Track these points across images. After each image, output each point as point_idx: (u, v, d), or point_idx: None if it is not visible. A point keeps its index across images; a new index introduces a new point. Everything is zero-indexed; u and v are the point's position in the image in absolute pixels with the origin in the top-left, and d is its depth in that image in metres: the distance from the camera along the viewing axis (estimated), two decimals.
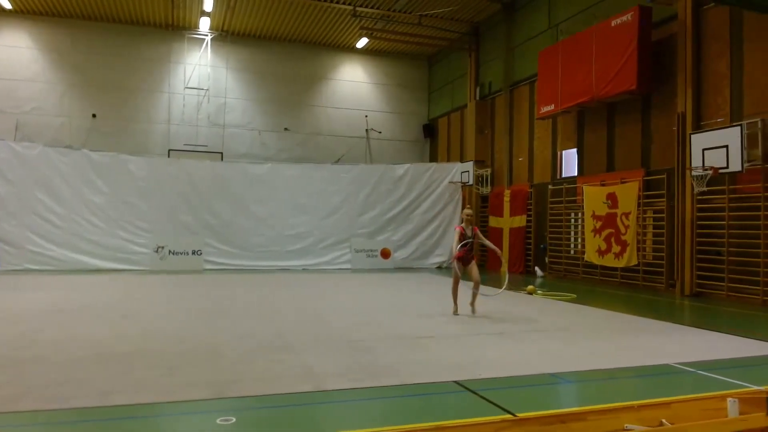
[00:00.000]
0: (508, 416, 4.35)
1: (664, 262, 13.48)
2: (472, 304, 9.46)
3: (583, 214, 15.89)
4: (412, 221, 20.82)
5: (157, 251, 17.95)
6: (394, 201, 20.77)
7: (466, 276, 9.52)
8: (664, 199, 13.49)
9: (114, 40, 21.54)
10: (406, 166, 21.34)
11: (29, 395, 4.80)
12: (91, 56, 21.31)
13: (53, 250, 17.12)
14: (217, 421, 4.29)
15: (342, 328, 8.23)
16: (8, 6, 19.59)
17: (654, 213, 14.03)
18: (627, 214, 14.29)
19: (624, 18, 13.95)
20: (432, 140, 25.30)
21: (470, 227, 9.51)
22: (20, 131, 20.03)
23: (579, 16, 16.38)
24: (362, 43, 23.10)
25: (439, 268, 20.51)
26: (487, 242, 9.94)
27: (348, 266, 19.74)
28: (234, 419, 4.32)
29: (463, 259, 9.47)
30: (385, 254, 20.16)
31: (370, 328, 8.22)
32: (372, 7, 20.04)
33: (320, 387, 5.22)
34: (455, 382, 5.35)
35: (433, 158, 24.67)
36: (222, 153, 22.45)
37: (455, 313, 9.46)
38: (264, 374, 5.63)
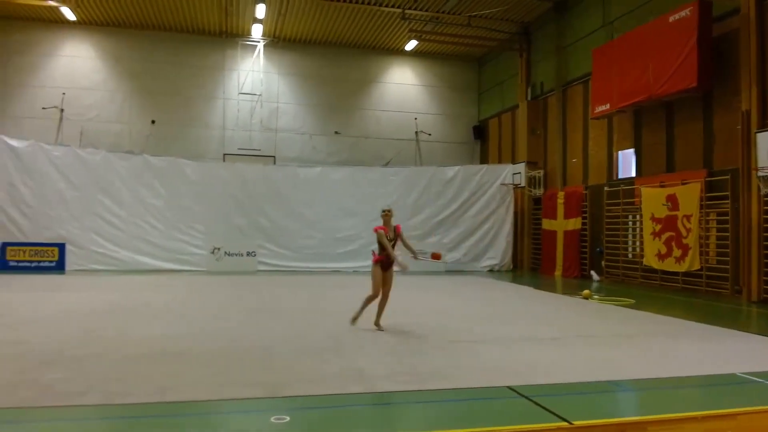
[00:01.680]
0: (564, 424, 4.23)
1: (729, 266, 12.86)
2: (377, 323, 8.14)
3: (641, 216, 15.35)
4: (462, 224, 20.65)
5: (213, 252, 18.44)
6: (444, 203, 20.65)
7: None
8: (729, 201, 12.86)
9: (171, 48, 22.27)
10: (456, 168, 21.19)
11: (92, 391, 4.98)
12: (149, 64, 22.11)
13: (115, 251, 17.86)
14: (271, 419, 4.34)
15: (391, 330, 8.20)
16: (72, 17, 20.53)
17: (717, 215, 13.41)
18: (688, 217, 13.71)
19: (683, 13, 13.41)
20: (482, 142, 25.01)
21: (392, 227, 8.28)
22: (84, 138, 20.96)
23: (634, 13, 15.85)
24: (411, 45, 23.09)
25: (491, 270, 20.25)
26: (410, 244, 8.53)
27: (398, 269, 19.70)
28: (288, 418, 4.37)
29: (384, 264, 8.22)
30: (436, 257, 19.97)
31: (419, 331, 8.17)
32: (421, 10, 20.00)
33: (371, 389, 5.21)
34: (508, 387, 5.25)
35: (484, 160, 24.39)
36: (274, 157, 22.87)
37: (353, 322, 8.24)
38: (315, 375, 5.67)
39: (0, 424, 4.24)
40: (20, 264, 16.80)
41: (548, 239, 19.25)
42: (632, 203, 15.85)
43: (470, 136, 25.07)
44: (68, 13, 20.12)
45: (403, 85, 24.62)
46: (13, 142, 17.74)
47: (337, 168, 21.14)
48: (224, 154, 22.40)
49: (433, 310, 10.53)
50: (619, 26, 16.47)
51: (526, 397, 4.93)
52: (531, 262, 20.85)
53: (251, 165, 20.73)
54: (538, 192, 20.31)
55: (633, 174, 16.21)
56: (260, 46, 22.88)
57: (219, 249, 18.50)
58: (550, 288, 15.03)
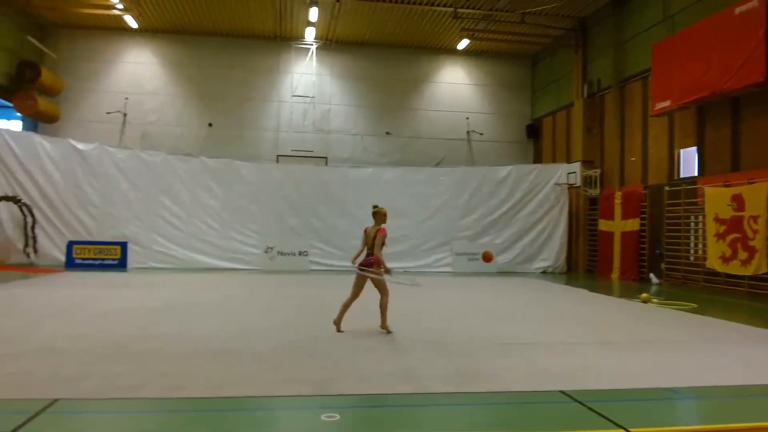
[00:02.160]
0: (620, 431, 4.09)
1: None
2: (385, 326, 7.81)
3: (704, 217, 14.69)
4: (515, 224, 20.33)
5: (266, 252, 18.83)
6: (496, 203, 20.39)
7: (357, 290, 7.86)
8: None
9: (227, 53, 22.88)
10: (509, 167, 20.87)
11: (148, 385, 5.16)
12: (206, 69, 22.79)
13: (174, 249, 18.51)
14: (322, 417, 4.39)
15: (441, 331, 8.15)
16: (135, 25, 21.40)
17: None
18: (755, 218, 13.02)
19: (750, 5, 12.75)
20: (536, 141, 24.53)
21: (375, 227, 7.90)
22: (145, 141, 21.83)
23: (697, 5, 15.19)
24: (463, 44, 22.89)
25: (544, 272, 19.85)
26: (379, 251, 7.98)
27: (448, 269, 19.61)
28: (338, 416, 4.40)
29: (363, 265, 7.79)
30: (487, 258, 19.80)
31: (470, 332, 8.08)
32: (473, 8, 19.80)
33: (421, 389, 5.19)
34: (561, 391, 5.11)
35: (537, 159, 23.91)
36: (326, 158, 23.14)
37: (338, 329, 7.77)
38: (365, 373, 5.69)
39: (67, 414, 4.46)
40: (85, 261, 17.62)
41: (605, 240, 18.68)
42: (694, 203, 15.19)
43: (523, 135, 24.63)
44: (131, 21, 20.99)
45: (454, 85, 24.45)
46: (80, 146, 18.64)
47: (388, 168, 21.20)
48: (278, 156, 22.83)
49: (483, 312, 10.39)
50: (680, 20, 15.82)
51: (580, 402, 4.79)
52: (586, 264, 20.29)
53: (304, 166, 21.09)
54: (594, 192, 19.74)
55: (695, 173, 15.54)
56: (313, 48, 23.20)
57: (272, 248, 18.87)
58: (606, 291, 14.57)
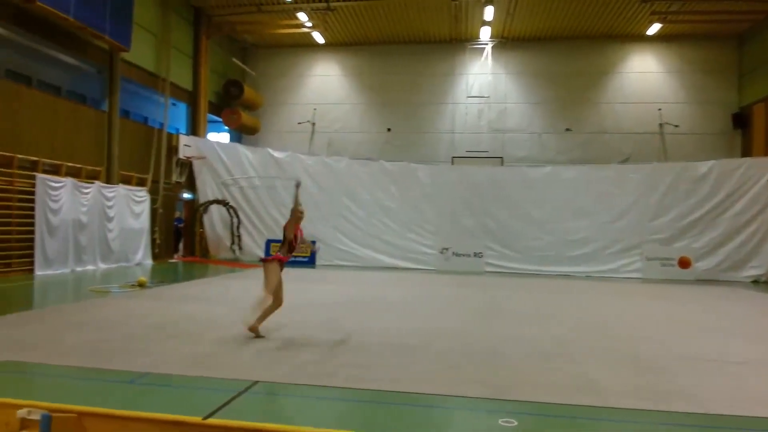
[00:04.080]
0: None
1: None
2: (256, 328, 7.02)
3: None
4: (719, 226, 17.97)
5: (441, 252, 19.09)
6: (695, 203, 18.23)
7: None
8: None
9: (404, 60, 23.68)
10: (710, 163, 18.53)
11: (337, 373, 5.52)
12: (385, 77, 23.82)
13: (356, 248, 19.65)
14: (499, 421, 4.31)
15: (627, 341, 7.52)
16: (321, 41, 23.22)
17: None
18: None
19: None
20: (744, 131, 21.50)
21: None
22: (331, 147, 23.54)
23: None
24: (654, 29, 20.95)
25: (755, 282, 17.31)
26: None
27: (638, 275, 18.04)
28: (515, 422, 4.29)
29: (281, 264, 7.40)
30: (684, 263, 17.82)
31: (661, 345, 7.34)
32: None
33: (605, 403, 4.84)
34: None
35: (746, 152, 20.92)
36: (502, 158, 22.78)
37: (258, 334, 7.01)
38: (543, 381, 5.46)
39: (265, 395, 4.93)
40: None
41: None
42: None
43: (728, 125, 21.75)
44: (318, 38, 22.85)
45: (643, 74, 22.51)
46: (276, 154, 20.64)
47: (568, 167, 20.18)
48: (453, 157, 23.03)
49: (678, 323, 9.37)
50: None
51: None
52: None
53: (479, 167, 20.97)
54: None
55: None
56: (488, 48, 23.00)
57: (447, 249, 19.07)
58: None
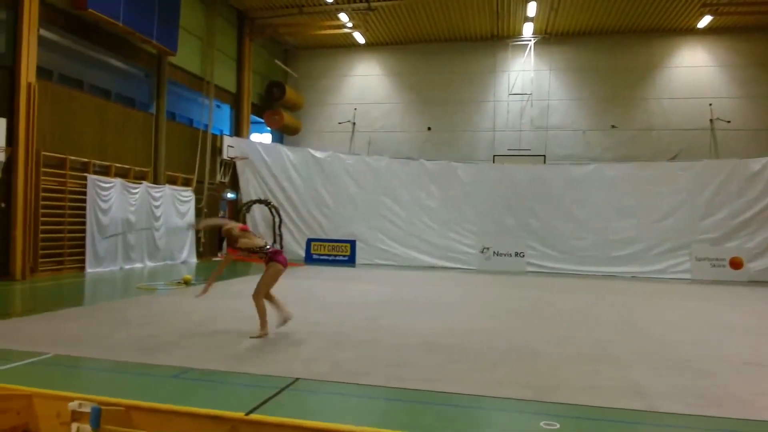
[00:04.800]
0: None
1: None
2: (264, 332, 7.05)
3: None
4: None
5: (482, 252, 18.90)
6: (748, 202, 17.50)
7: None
8: None
9: (445, 58, 23.54)
10: (764, 159, 17.75)
11: (371, 372, 5.53)
12: (425, 76, 23.74)
13: (395, 247, 19.63)
14: (541, 424, 4.24)
15: (674, 344, 7.28)
16: (362, 41, 23.32)
17: None
18: None
19: None
20: None
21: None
22: (371, 147, 23.61)
23: None
24: (705, 21, 20.23)
25: None
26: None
27: (687, 276, 17.45)
28: (558, 425, 4.22)
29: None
30: (736, 264, 17.15)
31: (710, 349, 7.08)
32: None
33: (652, 407, 4.70)
34: None
35: None
36: (544, 156, 22.40)
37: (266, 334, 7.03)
38: (585, 383, 5.34)
39: (305, 392, 4.99)
40: (321, 257, 19.65)
41: None
42: None
43: None
44: (359, 38, 22.97)
45: (693, 68, 21.78)
46: (317, 154, 20.83)
47: (613, 164, 19.65)
48: (494, 156, 22.77)
49: (729, 326, 9.02)
50: None
51: None
52: None
53: (520, 165, 20.64)
54: None
55: None
56: (531, 44, 22.66)
57: (488, 248, 18.86)
58: None
